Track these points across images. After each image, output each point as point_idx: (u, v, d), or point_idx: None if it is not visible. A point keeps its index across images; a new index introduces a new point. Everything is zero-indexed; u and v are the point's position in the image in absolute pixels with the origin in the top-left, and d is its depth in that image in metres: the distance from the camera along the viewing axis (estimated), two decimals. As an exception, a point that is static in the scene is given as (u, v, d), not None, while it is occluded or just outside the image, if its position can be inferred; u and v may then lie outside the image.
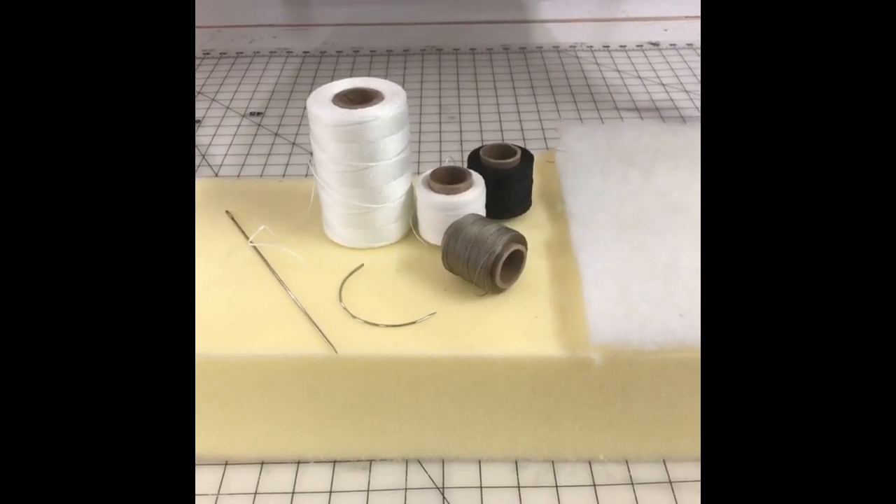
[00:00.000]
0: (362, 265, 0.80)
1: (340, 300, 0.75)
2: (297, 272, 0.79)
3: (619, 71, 1.60)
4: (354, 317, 0.73)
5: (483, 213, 0.81)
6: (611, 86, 1.53)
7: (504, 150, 0.85)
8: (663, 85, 1.53)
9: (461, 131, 1.37)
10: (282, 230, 0.85)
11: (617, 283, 0.73)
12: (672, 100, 1.47)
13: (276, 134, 1.37)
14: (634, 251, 0.78)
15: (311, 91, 0.81)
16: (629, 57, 1.67)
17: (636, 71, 1.60)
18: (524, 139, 1.34)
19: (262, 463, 0.77)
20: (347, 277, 0.78)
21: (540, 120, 1.40)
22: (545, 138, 1.34)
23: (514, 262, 0.75)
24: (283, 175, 1.24)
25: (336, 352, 0.69)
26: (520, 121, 1.40)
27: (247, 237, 0.84)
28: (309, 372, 0.70)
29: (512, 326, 0.72)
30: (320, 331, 0.71)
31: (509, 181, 0.83)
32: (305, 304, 0.74)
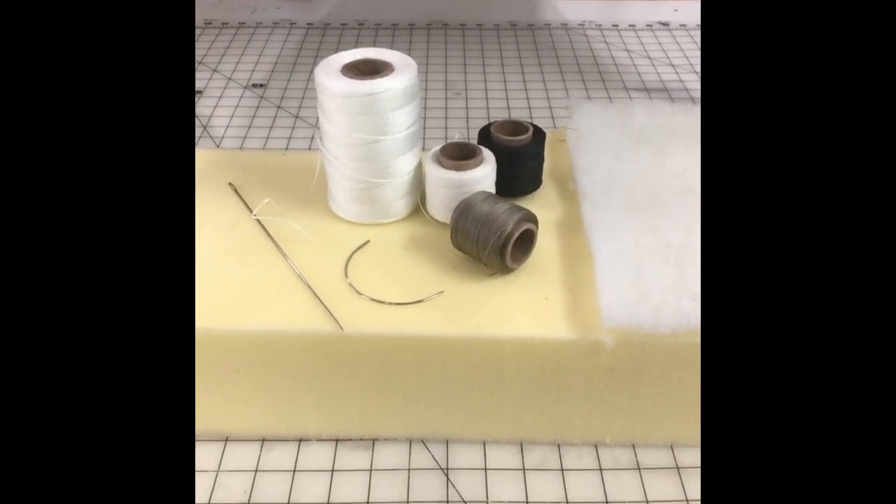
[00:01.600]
0: (368, 241, 0.78)
1: (346, 276, 0.73)
2: (302, 247, 0.77)
3: (628, 50, 1.57)
4: (360, 294, 0.71)
5: (493, 190, 0.79)
6: (620, 65, 1.50)
7: (516, 127, 0.83)
8: (673, 66, 1.50)
9: (467, 108, 1.35)
10: (286, 204, 0.83)
11: (630, 266, 0.71)
12: (682, 80, 1.44)
13: (278, 107, 1.34)
14: (647, 233, 0.76)
15: (314, 64, 0.79)
16: (638, 36, 1.64)
17: (646, 51, 1.57)
18: (531, 117, 1.31)
19: (263, 440, 0.75)
20: (353, 253, 0.76)
21: (548, 98, 1.37)
22: (553, 117, 1.32)
23: (525, 242, 0.74)
24: (286, 148, 1.22)
25: (342, 329, 0.67)
26: (527, 98, 1.37)
27: (250, 210, 0.82)
28: (313, 349, 0.69)
29: (521, 307, 0.70)
30: (326, 307, 0.69)
31: (521, 158, 0.81)
32: (310, 280, 0.72)
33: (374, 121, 0.73)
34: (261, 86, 1.41)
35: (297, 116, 1.31)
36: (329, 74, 0.74)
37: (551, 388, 0.71)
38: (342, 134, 0.75)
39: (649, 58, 1.54)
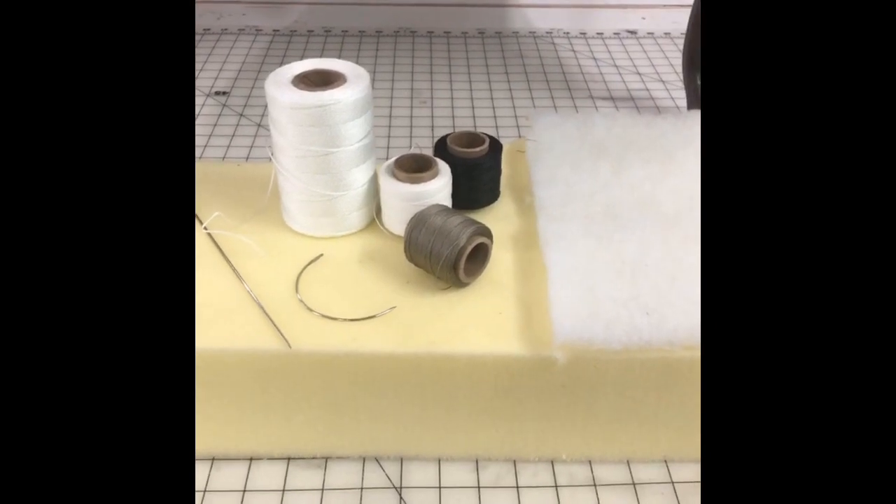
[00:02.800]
0: (322, 255, 0.77)
1: (297, 292, 0.72)
2: (253, 261, 0.76)
3: (595, 59, 1.57)
4: (311, 310, 0.70)
5: (449, 203, 0.79)
6: (586, 74, 1.50)
7: (472, 139, 0.82)
8: (639, 74, 1.51)
9: (433, 116, 1.34)
10: (239, 217, 0.81)
11: (583, 281, 0.71)
12: (648, 90, 1.44)
13: (241, 115, 1.32)
14: (602, 246, 0.75)
15: (277, 72, 0.77)
16: (606, 45, 1.64)
17: (612, 59, 1.57)
18: (497, 126, 1.31)
19: (213, 459, 0.74)
20: (305, 268, 0.75)
21: (514, 107, 1.37)
22: (518, 125, 1.31)
23: (479, 256, 0.73)
24: (247, 158, 1.20)
25: (290, 346, 0.66)
26: (493, 107, 1.37)
27: (201, 222, 0.80)
28: (260, 367, 0.67)
29: (474, 323, 0.69)
30: (273, 324, 0.68)
31: (477, 171, 0.80)
32: (260, 296, 0.71)
33: (325, 133, 0.72)
34: (224, 93, 1.40)
35: (259, 125, 1.29)
36: (279, 85, 0.73)
37: (505, 404, 0.70)
38: (294, 146, 0.74)
39: (616, 66, 1.54)
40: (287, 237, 0.79)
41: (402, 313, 0.70)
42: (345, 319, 0.69)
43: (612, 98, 1.41)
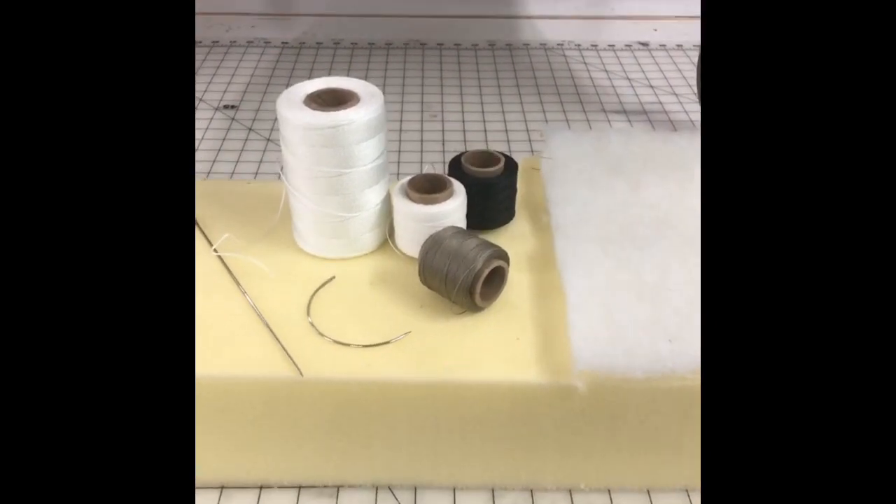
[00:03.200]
0: (333, 277, 0.75)
1: (308, 315, 0.70)
2: (263, 283, 0.74)
3: (607, 71, 1.55)
4: (322, 335, 0.68)
5: (464, 223, 0.77)
6: (598, 86, 1.49)
7: (487, 158, 0.80)
8: (652, 87, 1.49)
9: (443, 130, 1.32)
10: (248, 237, 0.80)
11: (603, 304, 0.69)
12: (661, 103, 1.43)
13: (250, 129, 1.31)
14: (621, 268, 0.73)
15: (288, 85, 0.76)
16: (618, 57, 1.62)
17: (625, 71, 1.55)
18: (508, 140, 1.29)
19: (222, 487, 0.72)
20: (317, 291, 0.73)
21: (525, 121, 1.35)
22: (530, 140, 1.30)
23: (495, 280, 0.71)
24: (256, 174, 1.19)
25: (301, 374, 0.64)
26: (504, 121, 1.35)
27: (210, 244, 0.78)
28: (272, 395, 0.66)
29: (491, 349, 0.67)
30: (285, 350, 0.66)
31: (492, 190, 0.78)
32: (270, 320, 0.69)
33: (338, 153, 0.71)
34: (232, 107, 1.38)
35: (268, 139, 1.28)
36: (291, 105, 0.71)
37: (523, 432, 0.68)
38: (306, 167, 0.72)
39: (628, 79, 1.52)
40: (298, 259, 0.78)
41: (416, 339, 0.68)
42: (358, 345, 0.67)
43: (624, 111, 1.39)
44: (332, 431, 0.68)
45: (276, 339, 0.67)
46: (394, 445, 0.69)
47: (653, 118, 1.37)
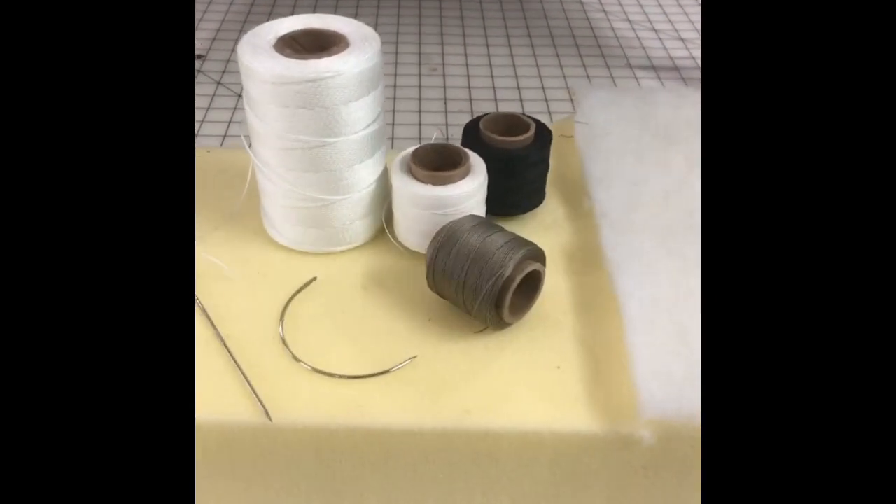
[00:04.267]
0: (315, 279, 0.58)
1: (281, 332, 0.53)
2: (222, 287, 0.57)
3: (630, 21, 1.37)
4: (298, 360, 0.51)
5: (483, 209, 0.60)
6: (621, 38, 1.30)
7: (512, 123, 0.62)
8: (682, 40, 1.30)
9: (445, 87, 1.14)
10: (207, 222, 0.62)
11: (671, 322, 0.52)
12: (693, 58, 1.24)
13: (218, 83, 1.12)
14: (690, 270, 0.57)
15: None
16: (641, 5, 1.43)
17: (650, 22, 1.37)
18: (521, 100, 1.11)
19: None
20: (293, 297, 0.56)
21: (539, 76, 1.17)
22: (546, 99, 1.12)
23: (528, 287, 0.54)
24: (224, 136, 1.00)
25: (270, 419, 0.47)
26: (515, 76, 1.17)
27: (155, 233, 0.61)
28: (232, 444, 0.49)
29: (524, 381, 0.51)
30: (248, 384, 0.49)
31: (520, 166, 0.61)
32: (231, 340, 0.52)
33: (320, 116, 0.53)
34: (199, 57, 1.19)
35: (239, 95, 1.09)
36: (257, 51, 0.53)
37: (564, 490, 0.52)
38: (277, 134, 0.54)
39: (655, 30, 1.34)
40: (268, 253, 0.60)
41: (423, 367, 0.51)
42: (346, 376, 0.50)
43: (653, 67, 1.21)
44: (313, 487, 0.52)
45: (238, 367, 0.50)
46: (395, 503, 0.53)
47: (685, 75, 1.19)
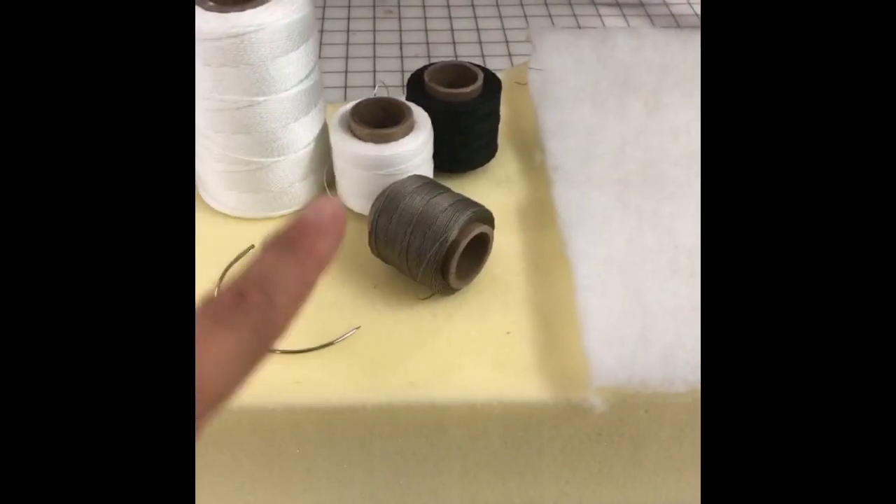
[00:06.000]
0: (252, 247, 0.55)
1: (217, 306, 0.50)
2: (154, 260, 0.53)
3: (594, -46, 1.31)
4: (236, 336, 0.48)
5: (429, 167, 0.56)
6: (585, -27, 1.25)
7: (459, 73, 0.59)
8: (648, -27, 1.25)
9: (400, 30, 1.09)
10: (136, 190, 0.58)
11: (625, 282, 0.50)
12: (659, -8, 1.20)
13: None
14: (646, 225, 0.54)
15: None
16: (605, -63, 1.37)
17: (615, -45, 1.31)
18: (480, 41, 1.06)
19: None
20: (229, 267, 0.53)
21: (500, 17, 1.12)
22: (507, 40, 1.07)
23: (476, 250, 0.51)
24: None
25: (204, 401, 0.45)
26: (475, 17, 1.12)
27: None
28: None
29: (473, 348, 0.48)
30: (181, 364, 0.46)
31: (468, 120, 0.58)
32: (161, 317, 0.49)
33: (246, 74, 0.49)
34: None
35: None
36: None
37: (517, 457, 0.50)
38: (202, 95, 0.50)
39: (619, -36, 1.28)
40: (203, 220, 0.57)
41: (368, 337, 0.49)
42: (284, 351, 0.48)
43: (617, 4, 1.16)
44: (258, 465, 0.50)
45: (169, 346, 0.47)
46: (342, 479, 0.51)
47: (651, 12, 1.15)
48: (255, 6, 0.49)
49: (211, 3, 0.49)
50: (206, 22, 0.47)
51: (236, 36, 0.47)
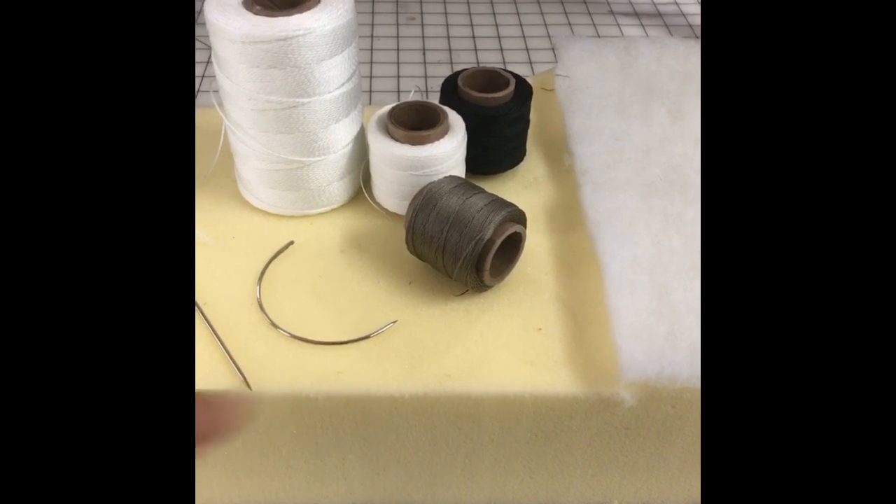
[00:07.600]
0: (292, 243, 0.57)
1: (258, 297, 0.52)
2: (198, 253, 0.55)
3: (612, -35, 1.33)
4: (277, 327, 0.50)
5: (462, 168, 0.58)
6: (604, -16, 1.27)
7: (491, 78, 0.61)
8: (665, -16, 1.28)
9: (423, 37, 1.11)
10: (178, 187, 0.60)
11: (653, 282, 0.52)
12: (677, 3, 1.22)
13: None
14: (672, 228, 0.56)
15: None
16: (623, -52, 1.40)
17: (633, -34, 1.33)
18: (501, 48, 1.08)
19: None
20: (270, 262, 0.55)
21: (521, 25, 1.14)
22: (527, 48, 1.09)
23: (509, 249, 0.53)
24: (198, 90, 0.98)
25: (249, 388, 0.47)
26: (496, 25, 1.14)
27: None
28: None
29: (505, 343, 0.50)
30: (226, 351, 0.48)
31: (499, 124, 0.60)
32: (206, 306, 0.51)
33: (292, 76, 0.51)
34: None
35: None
36: (225, 9, 0.51)
37: (546, 450, 0.52)
38: (248, 95, 0.52)
39: (637, -25, 1.30)
40: (244, 217, 0.59)
41: (404, 332, 0.51)
42: (325, 343, 0.50)
43: (635, 14, 1.18)
44: (296, 452, 0.52)
45: (215, 334, 0.49)
46: (376, 468, 0.53)
47: (669, 22, 1.17)
48: (301, 11, 0.51)
49: (259, 8, 0.51)
50: (256, 26, 0.49)
51: (284, 39, 0.49)
